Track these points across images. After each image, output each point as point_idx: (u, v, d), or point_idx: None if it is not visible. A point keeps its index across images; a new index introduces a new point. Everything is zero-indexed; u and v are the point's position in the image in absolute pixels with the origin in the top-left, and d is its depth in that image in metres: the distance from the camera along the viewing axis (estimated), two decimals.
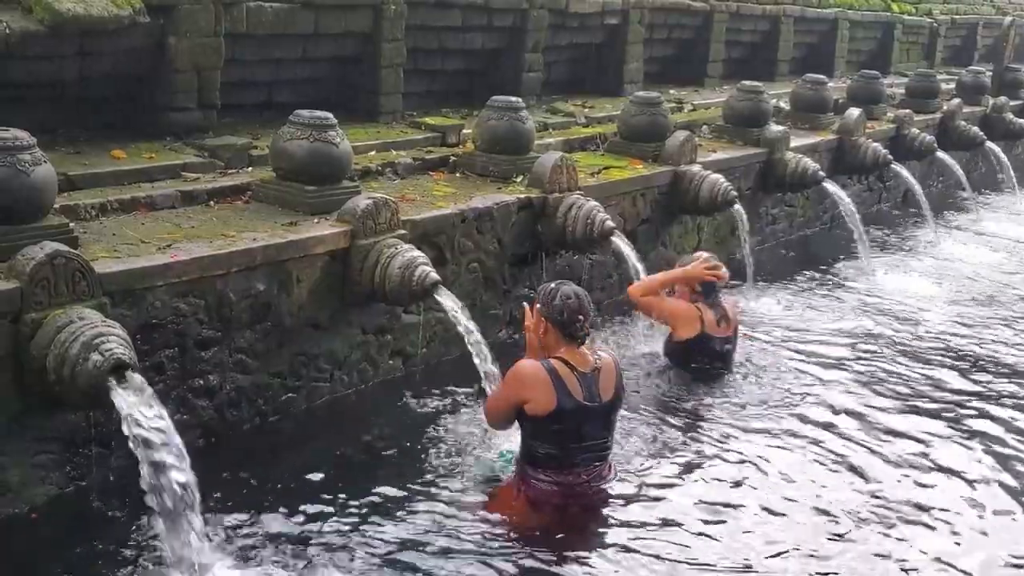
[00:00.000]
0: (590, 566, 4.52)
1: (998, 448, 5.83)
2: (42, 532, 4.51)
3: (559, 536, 4.68)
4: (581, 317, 4.78)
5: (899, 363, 7.06)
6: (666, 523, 4.86)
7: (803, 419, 6.05)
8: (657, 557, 4.60)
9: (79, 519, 4.60)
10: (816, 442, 5.77)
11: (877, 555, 4.73)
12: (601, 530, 4.78)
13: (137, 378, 4.27)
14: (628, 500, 4.97)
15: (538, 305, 4.89)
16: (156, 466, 4.13)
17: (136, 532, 4.43)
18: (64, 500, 4.69)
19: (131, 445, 4.16)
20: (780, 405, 6.22)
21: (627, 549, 4.64)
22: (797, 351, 7.14)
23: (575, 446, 4.78)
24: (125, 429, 4.16)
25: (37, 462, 4.62)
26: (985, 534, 4.98)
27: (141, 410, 4.18)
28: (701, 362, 6.51)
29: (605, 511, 4.88)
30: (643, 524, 4.82)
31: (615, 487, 4.97)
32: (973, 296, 8.81)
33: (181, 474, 4.15)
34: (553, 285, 4.93)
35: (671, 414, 5.97)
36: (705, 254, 6.74)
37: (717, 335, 6.50)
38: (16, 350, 4.37)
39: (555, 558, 4.52)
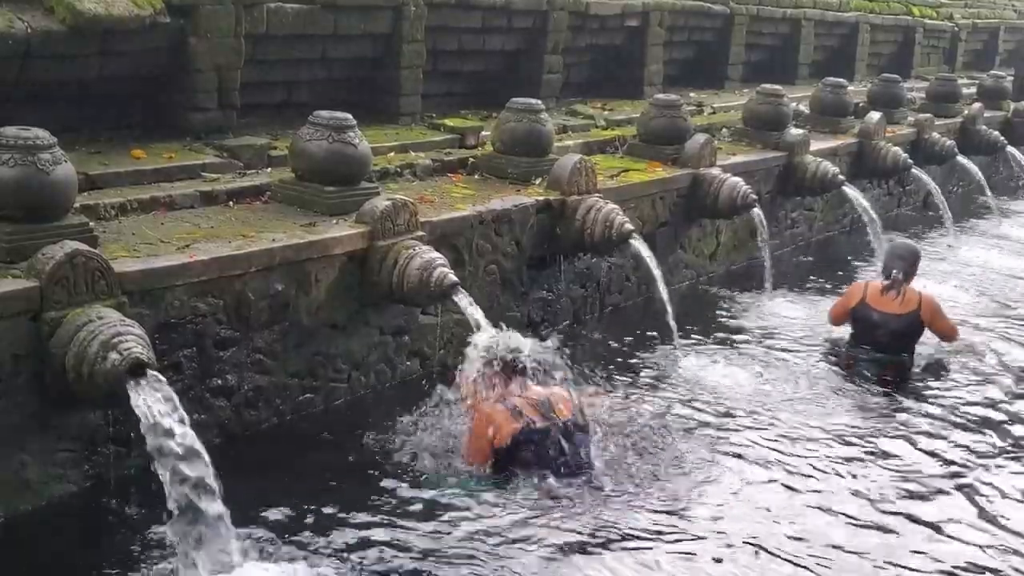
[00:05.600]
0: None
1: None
2: (59, 530, 4.53)
3: (571, 536, 4.69)
4: (521, 355, 5.23)
5: (921, 368, 7.02)
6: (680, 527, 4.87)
7: (827, 426, 6.05)
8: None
9: (96, 518, 4.61)
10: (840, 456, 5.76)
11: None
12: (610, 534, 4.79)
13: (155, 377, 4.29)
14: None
15: (488, 367, 5.26)
16: (174, 464, 4.15)
17: (153, 531, 4.42)
18: (81, 498, 4.70)
19: (148, 445, 4.18)
20: (806, 413, 6.22)
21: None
22: (817, 356, 7.12)
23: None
24: (143, 429, 4.17)
25: (56, 459, 4.63)
26: None
27: (159, 409, 4.19)
28: (860, 331, 7.05)
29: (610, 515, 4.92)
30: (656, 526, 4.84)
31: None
32: (993, 300, 8.75)
33: (200, 472, 4.16)
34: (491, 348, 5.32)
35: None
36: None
37: (876, 308, 6.96)
38: (36, 348, 4.38)
39: (574, 555, 4.55)
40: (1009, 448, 5.89)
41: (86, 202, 5.42)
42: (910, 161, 10.71)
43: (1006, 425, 6.20)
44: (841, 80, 11.36)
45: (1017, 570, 4.70)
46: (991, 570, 4.69)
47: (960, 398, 6.54)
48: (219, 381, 5.22)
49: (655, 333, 7.11)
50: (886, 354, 6.93)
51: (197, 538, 4.12)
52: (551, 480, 5.00)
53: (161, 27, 6.41)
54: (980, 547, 4.86)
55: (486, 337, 5.41)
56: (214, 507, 4.17)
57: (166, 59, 6.77)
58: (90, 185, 5.79)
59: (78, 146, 6.32)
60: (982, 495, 5.35)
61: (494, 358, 5.24)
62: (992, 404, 6.49)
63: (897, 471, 5.55)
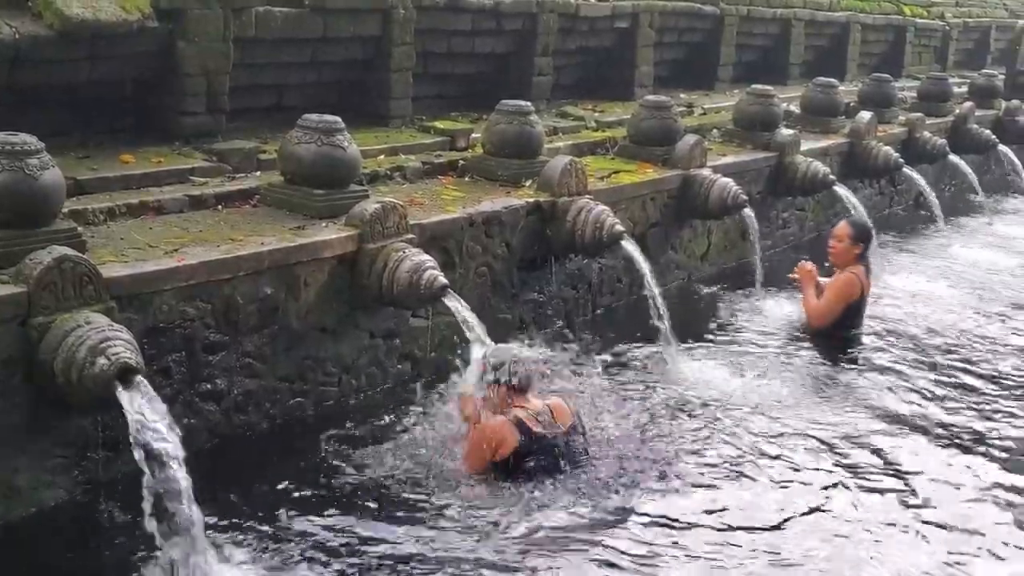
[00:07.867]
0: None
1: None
2: (50, 536, 4.52)
3: (569, 540, 4.70)
4: (522, 368, 5.24)
5: (915, 364, 7.07)
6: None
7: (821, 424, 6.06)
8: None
9: (86, 523, 4.60)
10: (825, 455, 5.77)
11: None
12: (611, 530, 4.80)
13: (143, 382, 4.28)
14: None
15: (487, 380, 5.26)
16: (158, 469, 4.15)
17: (141, 537, 4.39)
18: (72, 503, 4.69)
19: (134, 451, 4.18)
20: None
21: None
22: (810, 353, 7.15)
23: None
24: (131, 433, 4.16)
25: (46, 466, 4.62)
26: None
27: (146, 414, 4.18)
28: (854, 319, 7.43)
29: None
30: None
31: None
32: (985, 298, 8.77)
33: (181, 478, 4.16)
34: (491, 362, 5.32)
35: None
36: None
37: (866, 293, 7.44)
38: (24, 354, 4.38)
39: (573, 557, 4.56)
40: None
41: (74, 207, 5.42)
42: (901, 160, 10.71)
43: None
44: (832, 80, 11.36)
45: None
46: None
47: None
48: (208, 385, 5.21)
49: (647, 334, 7.10)
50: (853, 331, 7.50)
51: (184, 542, 4.12)
52: (552, 484, 5.00)
53: (149, 31, 6.40)
54: None
55: (486, 352, 5.45)
56: (198, 513, 4.17)
57: (155, 63, 6.76)
58: (79, 190, 5.78)
59: (67, 151, 6.30)
60: None
61: (496, 379, 5.23)
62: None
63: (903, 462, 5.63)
